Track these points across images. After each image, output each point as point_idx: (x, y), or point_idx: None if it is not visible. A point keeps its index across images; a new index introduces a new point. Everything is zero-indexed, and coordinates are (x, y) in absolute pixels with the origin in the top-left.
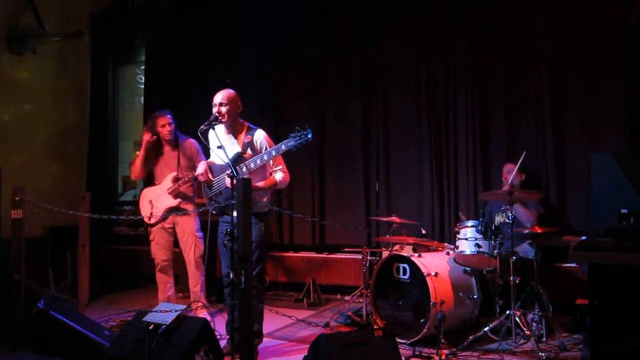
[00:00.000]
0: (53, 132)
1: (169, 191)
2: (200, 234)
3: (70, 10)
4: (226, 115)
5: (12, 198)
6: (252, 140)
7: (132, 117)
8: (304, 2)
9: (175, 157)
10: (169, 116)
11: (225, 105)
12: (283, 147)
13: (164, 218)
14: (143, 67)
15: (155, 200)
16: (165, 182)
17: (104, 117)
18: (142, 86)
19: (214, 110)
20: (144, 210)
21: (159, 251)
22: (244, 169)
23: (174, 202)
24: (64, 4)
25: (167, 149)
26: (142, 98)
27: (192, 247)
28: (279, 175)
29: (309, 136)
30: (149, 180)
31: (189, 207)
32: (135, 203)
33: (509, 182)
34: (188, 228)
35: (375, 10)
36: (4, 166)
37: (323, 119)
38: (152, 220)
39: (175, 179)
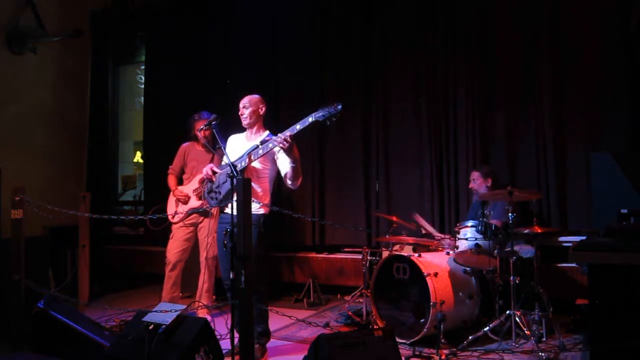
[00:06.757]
0: (53, 132)
1: (195, 192)
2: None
3: (70, 10)
4: (248, 117)
5: (12, 198)
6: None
7: (132, 117)
8: (305, 5)
9: (209, 159)
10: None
11: (248, 108)
12: (310, 119)
13: (186, 216)
14: (143, 67)
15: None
16: (193, 182)
17: (104, 117)
18: (142, 86)
19: (240, 113)
20: (170, 208)
21: (174, 248)
22: (245, 162)
23: (197, 203)
24: (64, 4)
25: (203, 149)
26: (142, 98)
27: (208, 247)
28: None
29: (339, 107)
30: (179, 175)
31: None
32: (135, 203)
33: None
34: (209, 228)
35: (377, 11)
36: (4, 166)
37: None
38: (175, 219)
39: (202, 181)
